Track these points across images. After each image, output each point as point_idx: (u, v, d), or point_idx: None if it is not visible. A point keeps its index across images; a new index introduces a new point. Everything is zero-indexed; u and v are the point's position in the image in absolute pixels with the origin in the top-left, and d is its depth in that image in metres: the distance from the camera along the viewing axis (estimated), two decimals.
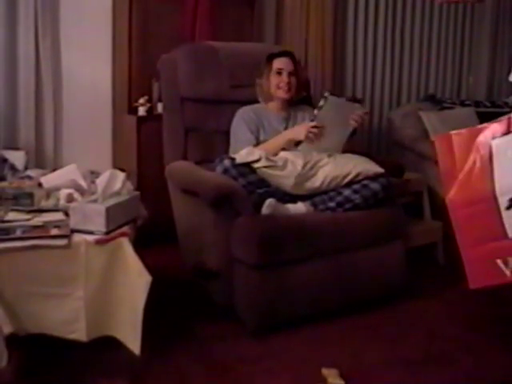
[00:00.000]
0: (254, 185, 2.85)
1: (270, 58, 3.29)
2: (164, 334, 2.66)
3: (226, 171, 2.84)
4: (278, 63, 3.26)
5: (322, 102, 2.99)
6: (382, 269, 3.05)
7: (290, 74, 3.25)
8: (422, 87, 5.44)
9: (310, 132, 3.01)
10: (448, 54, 5.53)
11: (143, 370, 2.39)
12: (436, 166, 4.14)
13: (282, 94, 3.26)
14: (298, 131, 3.07)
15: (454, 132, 2.24)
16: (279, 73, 3.25)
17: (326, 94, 2.99)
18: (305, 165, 2.92)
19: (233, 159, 2.86)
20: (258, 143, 3.15)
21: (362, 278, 2.98)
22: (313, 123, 3.01)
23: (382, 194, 2.96)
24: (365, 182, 2.95)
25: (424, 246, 3.70)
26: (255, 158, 2.87)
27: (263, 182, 2.88)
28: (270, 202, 2.80)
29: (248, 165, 2.85)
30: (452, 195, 2.21)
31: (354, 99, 3.19)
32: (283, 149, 3.06)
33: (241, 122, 3.21)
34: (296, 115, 3.34)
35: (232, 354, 2.56)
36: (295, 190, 2.93)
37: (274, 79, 3.26)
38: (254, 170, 2.86)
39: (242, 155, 2.89)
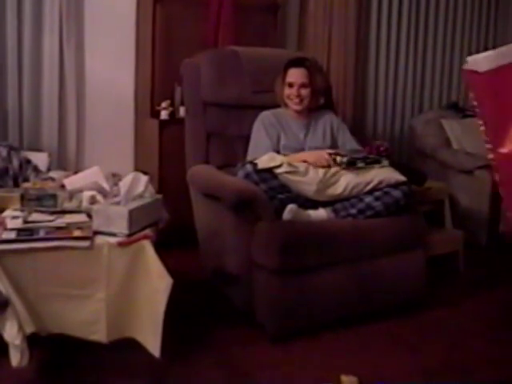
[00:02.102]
0: (276, 190, 2.85)
1: (286, 67, 3.27)
2: (184, 338, 2.67)
3: (247, 176, 2.84)
4: (290, 76, 3.24)
5: (342, 160, 2.95)
6: (403, 277, 3.03)
7: (301, 87, 3.22)
8: (445, 94, 5.41)
9: (320, 160, 3.00)
10: None
11: (163, 372, 2.40)
12: (458, 175, 4.17)
13: (293, 105, 3.26)
14: (316, 159, 3.02)
15: (497, 65, 1.84)
16: (291, 85, 3.24)
17: (344, 166, 2.95)
18: (326, 171, 2.91)
19: (255, 164, 2.86)
20: (277, 149, 3.15)
21: (382, 285, 2.96)
22: (327, 156, 3.01)
23: (404, 201, 2.94)
24: (386, 189, 2.94)
25: (445, 255, 3.67)
26: (277, 163, 2.87)
27: (285, 188, 2.87)
28: (291, 207, 2.79)
29: (270, 170, 2.85)
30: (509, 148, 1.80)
31: (378, 151, 3.11)
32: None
33: (261, 127, 3.21)
34: (317, 122, 3.33)
35: (251, 360, 2.56)
36: (317, 197, 2.92)
37: (286, 90, 3.25)
38: (275, 176, 2.85)
39: (264, 160, 2.89)
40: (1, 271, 2.13)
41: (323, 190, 2.91)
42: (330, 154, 3.02)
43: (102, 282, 2.23)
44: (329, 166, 2.97)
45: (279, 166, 2.85)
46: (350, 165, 2.95)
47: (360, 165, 2.96)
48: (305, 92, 3.23)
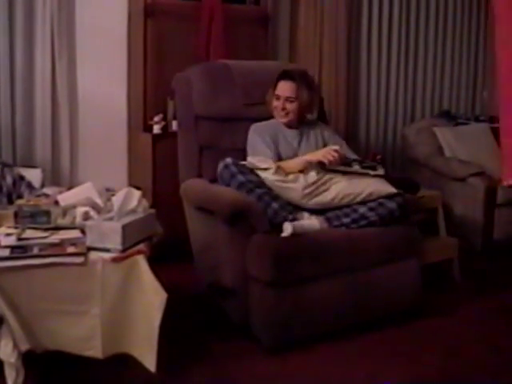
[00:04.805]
0: (253, 183, 2.86)
1: (278, 78, 3.28)
2: (179, 352, 2.65)
3: (226, 167, 2.89)
4: (278, 88, 3.25)
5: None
6: (398, 286, 3.03)
7: (287, 100, 3.23)
8: (436, 103, 5.43)
9: (325, 156, 3.00)
10: (462, 68, 5.52)
11: None
12: (452, 183, 4.19)
13: (278, 117, 3.28)
14: (317, 154, 3.05)
15: None
16: (277, 98, 3.26)
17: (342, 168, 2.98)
18: (318, 179, 2.94)
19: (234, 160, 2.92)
20: (278, 157, 3.17)
21: (378, 295, 2.96)
22: (332, 151, 3.01)
23: (398, 212, 2.95)
24: (381, 200, 2.94)
25: (439, 263, 3.68)
26: (265, 165, 2.91)
27: (263, 183, 2.88)
28: (287, 226, 2.77)
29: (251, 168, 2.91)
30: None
31: (373, 159, 3.11)
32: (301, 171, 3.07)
33: (255, 137, 3.22)
34: (309, 132, 3.34)
35: (248, 372, 2.56)
36: (304, 204, 2.93)
37: (274, 102, 3.28)
38: (255, 173, 2.89)
39: (252, 161, 2.95)
40: None
41: (310, 196, 2.92)
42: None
43: (97, 298, 2.23)
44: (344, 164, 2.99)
45: (267, 169, 2.90)
46: (346, 165, 2.95)
47: (355, 166, 2.97)
48: (290, 106, 3.24)
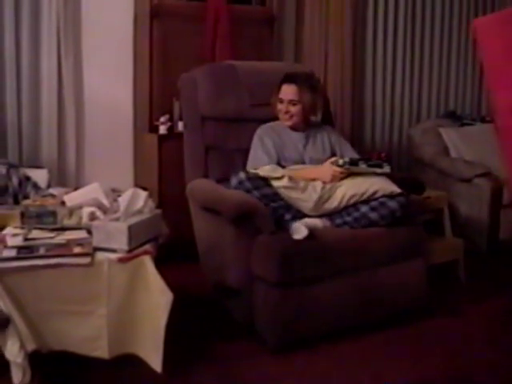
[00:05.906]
0: (269, 198, 2.87)
1: (281, 82, 3.29)
2: (185, 352, 2.66)
3: (240, 183, 2.88)
4: (281, 91, 3.27)
5: (345, 160, 3.01)
6: (403, 286, 3.03)
7: (290, 103, 3.25)
8: (442, 103, 5.41)
9: (335, 176, 3.01)
10: (468, 69, 5.51)
11: None
12: (457, 183, 4.18)
13: (283, 120, 3.29)
14: (325, 174, 3.03)
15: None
16: (281, 101, 3.27)
17: (347, 166, 2.99)
18: (323, 187, 2.95)
19: (247, 172, 2.92)
20: (277, 163, 3.16)
21: (383, 295, 2.96)
22: (339, 169, 3.01)
23: (400, 212, 2.94)
24: (383, 199, 2.94)
25: (445, 264, 3.67)
26: (278, 175, 2.91)
27: (277, 196, 2.90)
28: (298, 227, 2.77)
29: (264, 178, 2.89)
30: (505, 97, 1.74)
31: (379, 157, 3.09)
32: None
33: (258, 143, 3.23)
34: (316, 135, 3.34)
35: (253, 372, 2.56)
36: (313, 213, 2.95)
37: (278, 105, 3.29)
38: (268, 184, 2.89)
39: (266, 170, 2.95)
40: (1, 289, 2.14)
41: (320, 206, 2.95)
42: (332, 163, 3.04)
43: (103, 299, 2.24)
44: (351, 163, 3.00)
45: (280, 178, 2.89)
46: (353, 165, 2.97)
47: (362, 166, 2.97)
48: (294, 109, 3.25)
